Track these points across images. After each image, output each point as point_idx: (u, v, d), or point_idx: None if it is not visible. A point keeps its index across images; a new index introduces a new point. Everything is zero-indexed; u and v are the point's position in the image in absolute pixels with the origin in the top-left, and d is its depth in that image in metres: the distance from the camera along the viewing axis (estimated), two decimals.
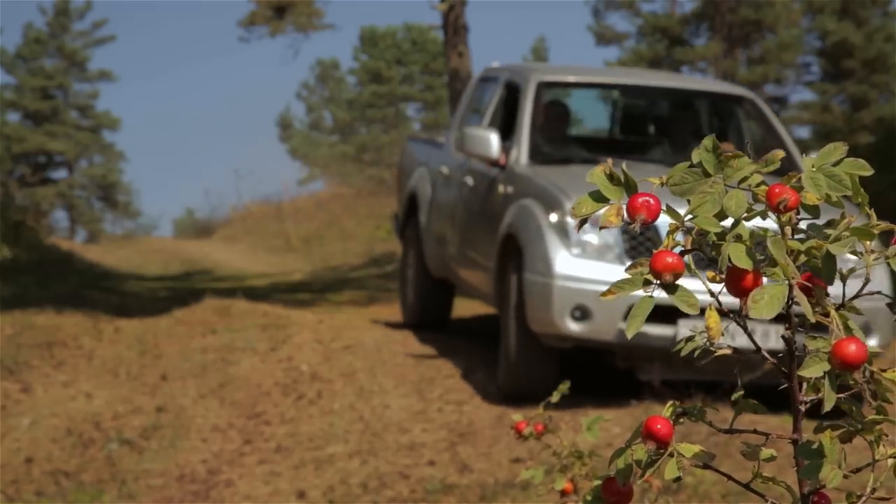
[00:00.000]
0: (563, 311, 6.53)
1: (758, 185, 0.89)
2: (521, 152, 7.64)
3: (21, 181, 40.97)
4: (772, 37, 29.96)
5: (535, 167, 7.59)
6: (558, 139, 8.39)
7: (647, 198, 0.91)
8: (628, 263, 5.02)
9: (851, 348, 0.89)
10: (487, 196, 7.96)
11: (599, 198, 0.90)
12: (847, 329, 0.91)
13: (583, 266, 6.61)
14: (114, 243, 29.38)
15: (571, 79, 8.77)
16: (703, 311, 0.98)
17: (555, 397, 2.30)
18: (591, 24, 33.40)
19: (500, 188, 7.72)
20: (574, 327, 6.55)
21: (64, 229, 40.23)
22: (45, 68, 42.63)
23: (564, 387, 2.31)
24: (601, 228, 0.97)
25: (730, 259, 0.90)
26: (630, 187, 0.91)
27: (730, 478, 1.14)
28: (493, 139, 7.60)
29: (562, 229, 6.74)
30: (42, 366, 9.54)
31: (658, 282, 0.92)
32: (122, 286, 16.13)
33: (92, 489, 6.30)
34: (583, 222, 0.95)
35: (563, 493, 2.11)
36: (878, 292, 0.98)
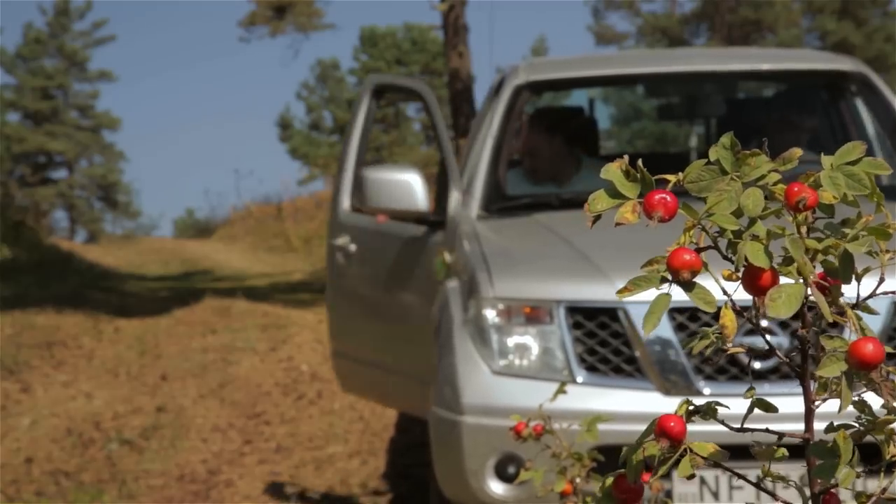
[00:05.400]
0: (480, 465, 3.98)
1: (775, 184, 0.90)
2: (473, 197, 5.00)
3: (21, 181, 40.99)
4: (772, 37, 29.97)
5: (489, 221, 4.91)
6: (562, 166, 5.55)
7: (664, 195, 0.90)
8: (581, 378, 4.06)
9: (869, 348, 0.89)
10: (407, 273, 5.34)
11: (615, 194, 0.90)
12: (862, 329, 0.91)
13: (511, 389, 4.00)
14: (114, 243, 29.39)
15: (575, 74, 5.90)
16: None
17: (553, 397, 2.29)
18: (591, 24, 33.45)
19: (440, 258, 5.00)
20: (499, 490, 3.98)
21: (64, 229, 40.28)
22: (45, 68, 42.66)
23: (564, 386, 2.30)
24: (617, 224, 0.93)
25: (746, 258, 0.90)
26: (646, 184, 0.91)
27: (740, 476, 1.13)
28: (415, 182, 4.97)
29: (479, 329, 4.12)
30: (42, 366, 9.54)
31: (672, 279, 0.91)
32: (122, 286, 16.13)
33: (92, 489, 6.30)
34: (596, 219, 0.93)
35: (563, 495, 2.11)
36: (894, 292, 0.98)
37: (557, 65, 6.18)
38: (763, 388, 3.77)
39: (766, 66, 5.85)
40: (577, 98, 8.15)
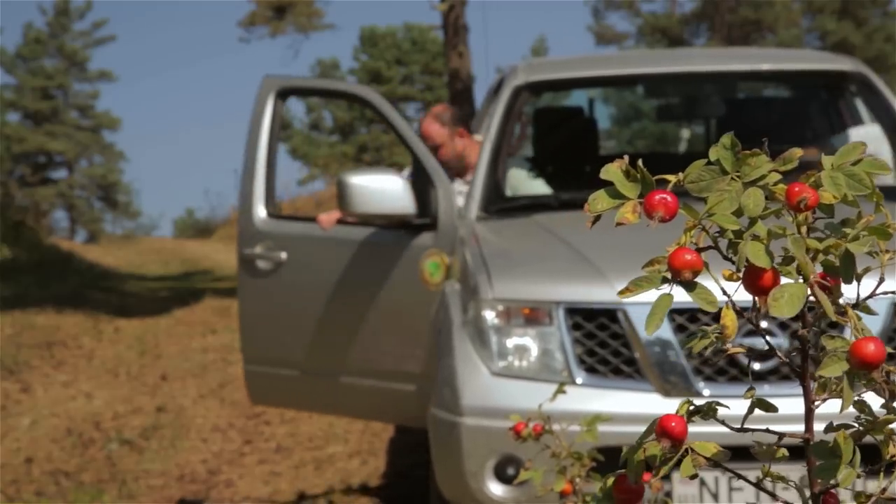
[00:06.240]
0: (480, 466, 3.97)
1: (775, 184, 0.89)
2: (473, 198, 4.97)
3: (21, 181, 40.99)
4: (772, 37, 29.97)
5: (489, 222, 4.88)
6: (563, 168, 5.69)
7: (665, 195, 0.90)
8: (580, 379, 4.05)
9: (871, 347, 0.89)
10: (378, 276, 5.16)
11: (615, 195, 0.90)
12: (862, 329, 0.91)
13: (510, 390, 3.98)
14: (114, 243, 29.40)
15: (574, 74, 5.88)
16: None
17: (553, 398, 2.29)
18: (591, 24, 33.45)
19: (436, 259, 4.94)
20: (498, 492, 3.96)
21: (64, 229, 40.30)
22: (45, 68, 42.67)
23: (563, 387, 2.30)
24: (618, 224, 0.91)
25: (747, 258, 0.89)
26: (647, 184, 0.90)
27: (740, 476, 1.13)
28: (400, 186, 4.92)
29: (478, 331, 4.11)
30: (42, 366, 9.54)
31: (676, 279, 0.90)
32: (122, 286, 16.13)
33: (92, 489, 6.30)
34: (596, 219, 0.93)
35: (563, 494, 2.11)
36: (893, 292, 0.98)
37: (557, 65, 6.15)
38: (763, 390, 3.76)
39: (766, 66, 5.82)
40: (577, 98, 8.13)
